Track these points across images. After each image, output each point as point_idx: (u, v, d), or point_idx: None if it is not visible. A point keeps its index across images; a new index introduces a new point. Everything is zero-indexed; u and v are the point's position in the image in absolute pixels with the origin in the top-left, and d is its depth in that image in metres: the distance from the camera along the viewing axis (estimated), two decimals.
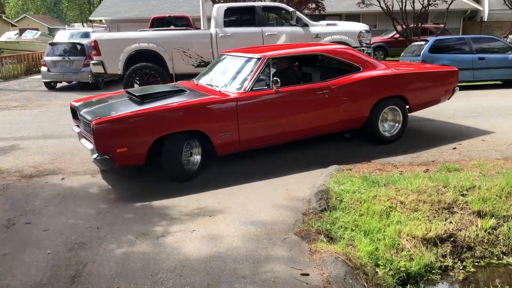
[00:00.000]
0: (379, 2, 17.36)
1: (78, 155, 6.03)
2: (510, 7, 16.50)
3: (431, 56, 10.86)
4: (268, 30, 9.80)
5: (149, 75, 9.60)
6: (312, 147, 6.09)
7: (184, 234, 3.69)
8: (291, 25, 9.87)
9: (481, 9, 26.15)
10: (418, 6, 17.09)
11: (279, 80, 5.24)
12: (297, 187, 4.65)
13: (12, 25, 37.01)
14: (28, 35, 24.35)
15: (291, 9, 9.71)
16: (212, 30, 9.73)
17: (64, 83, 14.03)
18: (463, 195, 4.47)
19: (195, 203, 4.31)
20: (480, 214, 4.24)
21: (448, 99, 6.78)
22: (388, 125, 6.26)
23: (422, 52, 11.05)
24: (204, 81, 5.93)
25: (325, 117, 5.71)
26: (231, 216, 4.00)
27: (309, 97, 5.56)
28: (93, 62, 9.73)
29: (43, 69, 13.04)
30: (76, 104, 5.55)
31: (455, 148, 5.82)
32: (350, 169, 5.16)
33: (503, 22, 24.76)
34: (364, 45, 10.00)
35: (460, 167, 5.15)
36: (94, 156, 4.50)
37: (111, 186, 4.89)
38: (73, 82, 13.73)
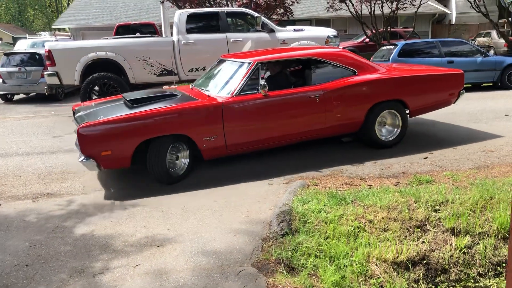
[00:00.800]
0: (348, 6, 17.23)
1: (21, 176, 5.51)
2: (477, 10, 16.60)
3: (400, 60, 10.67)
4: (233, 36, 9.42)
5: (108, 85, 9.08)
6: (289, 154, 5.72)
7: (126, 270, 3.24)
8: (256, 31, 9.51)
9: (449, 12, 26.44)
10: (387, 10, 17.03)
11: (266, 84, 5.23)
12: (258, 207, 4.25)
13: None
14: None
15: (256, 14, 9.36)
16: (174, 37, 9.28)
17: (22, 95, 13.32)
18: (435, 210, 4.16)
19: (143, 231, 3.87)
20: (454, 232, 3.93)
21: (454, 103, 6.53)
22: (386, 130, 6.08)
23: (391, 56, 10.87)
24: (199, 85, 6.00)
25: (316, 122, 5.62)
26: (182, 245, 3.57)
27: (299, 101, 5.49)
28: (47, 73, 9.15)
29: None
30: (77, 108, 5.91)
31: (426, 158, 5.53)
32: (316, 184, 4.80)
33: (470, 25, 25.07)
34: None
35: (432, 178, 4.86)
36: (80, 159, 4.66)
37: (52, 211, 4.39)
38: (32, 94, 13.05)
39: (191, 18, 9.33)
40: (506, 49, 18.43)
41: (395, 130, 6.07)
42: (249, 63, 5.47)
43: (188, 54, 9.24)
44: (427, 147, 6.00)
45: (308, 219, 3.95)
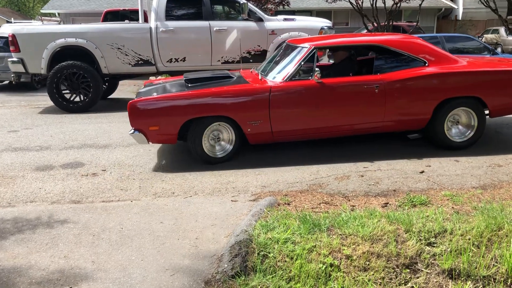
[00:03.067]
0: None
1: None
2: (486, 5, 15.69)
3: None
4: (217, 24, 8.57)
5: (77, 75, 8.26)
6: (265, 156, 4.92)
7: None
8: (243, 19, 8.66)
9: (456, 7, 25.45)
10: (389, 3, 16.12)
11: (319, 70, 4.98)
12: (212, 234, 3.45)
13: None
14: None
15: (242, 1, 8.49)
16: (152, 23, 8.45)
17: None
18: (430, 244, 3.35)
19: (60, 263, 3.07)
20: (452, 274, 3.13)
21: None
22: (458, 130, 5.43)
23: None
24: (259, 69, 5.81)
25: (374, 115, 5.21)
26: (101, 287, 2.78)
27: (354, 91, 5.14)
28: (11, 59, 8.34)
29: None
30: (146, 84, 6.17)
31: (422, 172, 4.71)
32: (288, 203, 3.99)
33: (477, 21, 24.10)
34: None
35: (428, 199, 4.04)
36: (130, 131, 4.93)
37: None
38: (5, 82, 12.24)
39: (171, 3, 8.50)
40: None
41: (469, 131, 5.39)
42: (305, 47, 5.22)
43: (167, 43, 8.42)
44: (424, 157, 5.18)
45: (270, 252, 3.16)
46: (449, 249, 3.26)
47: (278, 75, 5.20)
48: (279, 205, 3.95)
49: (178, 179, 4.68)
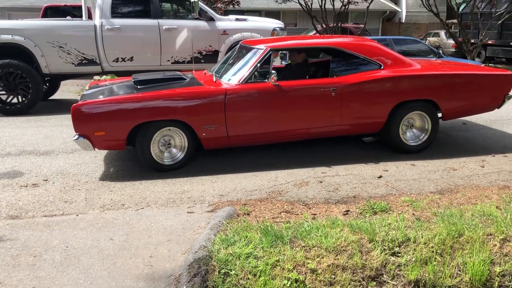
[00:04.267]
0: None
1: None
2: (428, 9, 16.23)
3: None
4: (166, 23, 8.24)
5: (15, 75, 7.65)
6: (222, 158, 4.69)
7: None
8: (193, 18, 8.38)
9: (399, 10, 26.31)
10: (338, 5, 16.32)
11: (275, 73, 4.84)
12: (168, 251, 3.20)
13: None
14: None
15: None
16: (97, 21, 7.98)
17: None
18: (394, 254, 3.28)
19: None
20: (418, 285, 3.07)
21: (498, 108, 5.77)
22: (412, 134, 5.43)
23: None
24: (213, 71, 5.60)
25: (331, 118, 5.13)
26: None
27: (311, 94, 5.04)
28: None
29: None
30: (91, 85, 5.79)
31: (380, 177, 4.68)
32: (247, 213, 3.80)
33: (420, 23, 25.01)
34: None
35: (388, 205, 3.99)
36: (74, 137, 4.60)
37: None
38: None
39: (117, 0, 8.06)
40: (454, 50, 18.29)
41: (423, 135, 5.43)
42: (261, 49, 5.07)
43: (113, 42, 8.00)
44: (380, 161, 5.16)
45: (231, 269, 2.96)
46: (413, 259, 3.20)
47: (233, 77, 5.01)
48: (238, 215, 3.76)
49: (128, 189, 4.37)
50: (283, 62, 6.40)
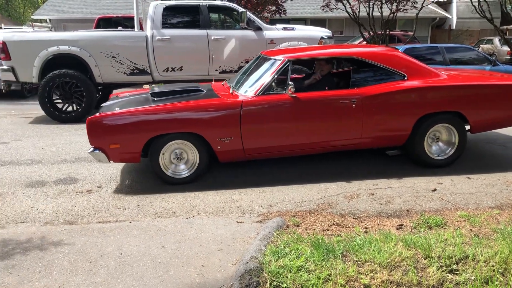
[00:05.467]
0: (344, 6, 16.23)
1: None
2: (482, 15, 15.67)
3: None
4: (214, 33, 8.37)
5: (70, 84, 7.98)
6: (270, 169, 4.69)
7: None
8: (241, 28, 8.46)
9: (450, 17, 25.53)
10: (386, 12, 16.05)
11: (293, 84, 4.73)
12: (219, 260, 3.21)
13: None
14: None
15: (241, 9, 8.31)
16: (148, 32, 8.22)
17: None
18: (452, 271, 3.13)
19: None
20: None
21: None
22: (438, 147, 5.23)
23: None
24: (231, 82, 5.52)
25: (351, 131, 4.97)
26: None
27: (330, 106, 4.89)
28: (1, 68, 8.04)
29: None
30: (112, 97, 5.81)
31: (435, 190, 4.51)
32: (297, 225, 3.76)
33: (471, 30, 24.18)
34: None
35: (444, 220, 3.83)
36: (89, 150, 4.60)
37: None
38: None
39: (168, 10, 8.30)
40: (509, 57, 17.54)
41: (449, 149, 5.20)
42: (279, 60, 4.97)
43: (163, 52, 8.20)
44: (435, 174, 4.98)
45: (282, 282, 2.92)
46: (473, 277, 3.05)
47: (250, 89, 4.91)
48: (288, 227, 3.72)
49: (179, 197, 4.43)
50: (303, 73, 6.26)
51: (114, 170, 5.25)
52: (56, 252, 3.34)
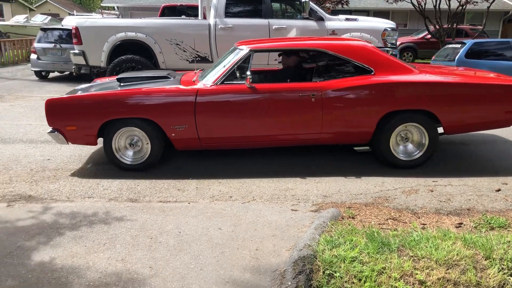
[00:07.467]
0: None
1: (11, 170, 4.80)
2: None
3: (467, 62, 9.28)
4: (276, 23, 8.41)
5: (136, 69, 8.31)
6: (325, 159, 4.70)
7: None
8: (303, 18, 8.43)
9: None
10: (454, 5, 15.36)
11: (250, 74, 4.63)
12: (273, 245, 3.27)
13: (31, 10, 36.29)
14: (37, 20, 23.36)
15: None
16: (211, 20, 8.39)
17: (57, 73, 12.88)
18: None
19: (118, 266, 2.98)
20: None
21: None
22: (405, 148, 4.96)
23: (457, 57, 9.49)
24: (202, 72, 5.48)
25: (310, 125, 4.80)
26: None
27: (288, 99, 4.74)
28: (73, 52, 8.52)
29: (33, 56, 11.90)
30: (93, 82, 5.94)
31: (499, 190, 4.33)
32: (352, 217, 3.75)
33: None
34: (389, 45, 8.50)
35: (508, 222, 3.68)
36: (48, 131, 4.74)
37: (21, 222, 3.59)
38: (66, 73, 12.58)
39: (231, 0, 8.38)
40: None
41: (417, 151, 4.94)
42: (242, 50, 4.92)
43: (225, 40, 8.32)
44: (499, 173, 4.78)
45: (336, 271, 2.93)
46: None
47: (210, 78, 4.85)
48: (343, 218, 3.71)
49: (235, 182, 4.53)
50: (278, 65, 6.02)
51: (174, 152, 5.43)
52: (119, 227, 3.53)
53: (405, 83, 4.74)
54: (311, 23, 8.42)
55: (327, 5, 14.08)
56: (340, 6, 14.55)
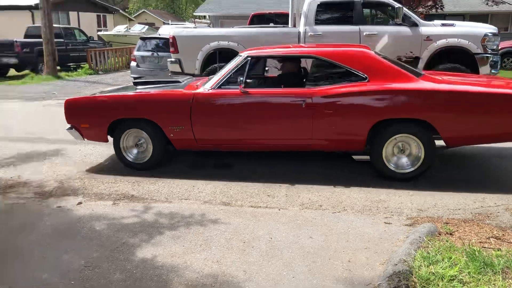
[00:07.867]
0: None
1: (115, 170, 5.18)
2: None
3: None
4: (367, 29, 8.24)
5: None
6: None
7: None
8: (396, 24, 8.18)
9: None
10: None
11: (244, 80, 4.77)
12: (365, 258, 3.21)
13: (130, 20, 38.95)
14: (136, 29, 25.00)
15: (397, 4, 8.02)
16: (301, 28, 8.42)
17: None
18: None
19: (214, 267, 3.10)
20: None
21: None
22: (399, 160, 4.75)
23: None
24: (211, 76, 5.79)
25: (300, 131, 4.82)
26: None
27: (279, 104, 4.83)
28: (170, 60, 9.00)
29: (133, 64, 12.76)
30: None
31: None
32: (450, 233, 3.57)
33: None
34: (490, 51, 7.96)
35: None
36: (66, 128, 5.32)
37: (126, 220, 3.87)
38: None
39: (322, 7, 8.39)
40: None
41: (410, 164, 4.71)
42: (241, 56, 5.10)
43: None
44: None
45: None
46: None
47: (210, 83, 5.05)
48: (440, 234, 3.55)
49: (325, 191, 4.51)
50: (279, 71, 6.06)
51: (261, 158, 5.53)
52: (214, 229, 3.67)
53: (396, 90, 4.56)
54: (405, 29, 8.14)
55: (420, 9, 13.52)
56: (434, 10, 13.91)
